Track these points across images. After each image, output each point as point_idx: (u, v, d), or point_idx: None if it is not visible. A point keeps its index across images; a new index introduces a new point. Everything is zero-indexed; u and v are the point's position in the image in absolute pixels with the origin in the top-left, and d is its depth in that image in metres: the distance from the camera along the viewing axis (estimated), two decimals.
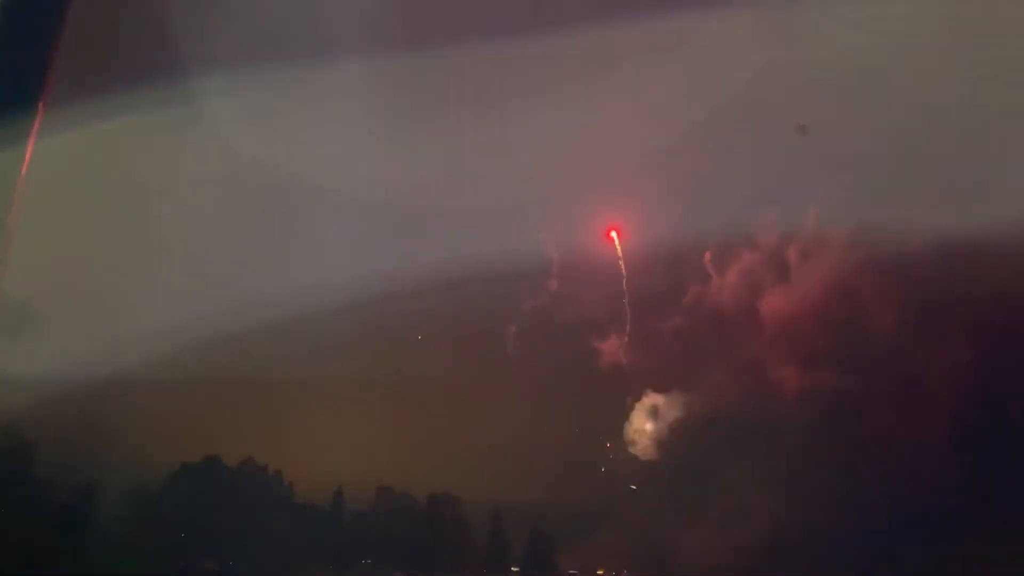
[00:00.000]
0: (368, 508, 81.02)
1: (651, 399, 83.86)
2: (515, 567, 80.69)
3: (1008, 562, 64.81)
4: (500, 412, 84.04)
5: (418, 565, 77.44)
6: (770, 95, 79.70)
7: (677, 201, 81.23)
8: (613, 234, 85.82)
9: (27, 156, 59.21)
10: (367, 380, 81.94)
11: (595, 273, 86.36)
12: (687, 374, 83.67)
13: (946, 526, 68.61)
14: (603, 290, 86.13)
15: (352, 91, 79.26)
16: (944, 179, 74.63)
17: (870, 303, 78.12)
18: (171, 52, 73.65)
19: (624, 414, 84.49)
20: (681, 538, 76.40)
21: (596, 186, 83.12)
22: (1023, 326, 72.21)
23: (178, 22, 74.27)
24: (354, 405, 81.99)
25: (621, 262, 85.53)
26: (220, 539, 74.22)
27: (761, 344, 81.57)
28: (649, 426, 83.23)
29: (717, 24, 76.93)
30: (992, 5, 75.53)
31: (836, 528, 70.77)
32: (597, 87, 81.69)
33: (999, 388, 72.53)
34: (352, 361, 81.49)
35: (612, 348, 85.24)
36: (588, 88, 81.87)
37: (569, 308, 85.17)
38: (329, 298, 76.63)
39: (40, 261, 72.09)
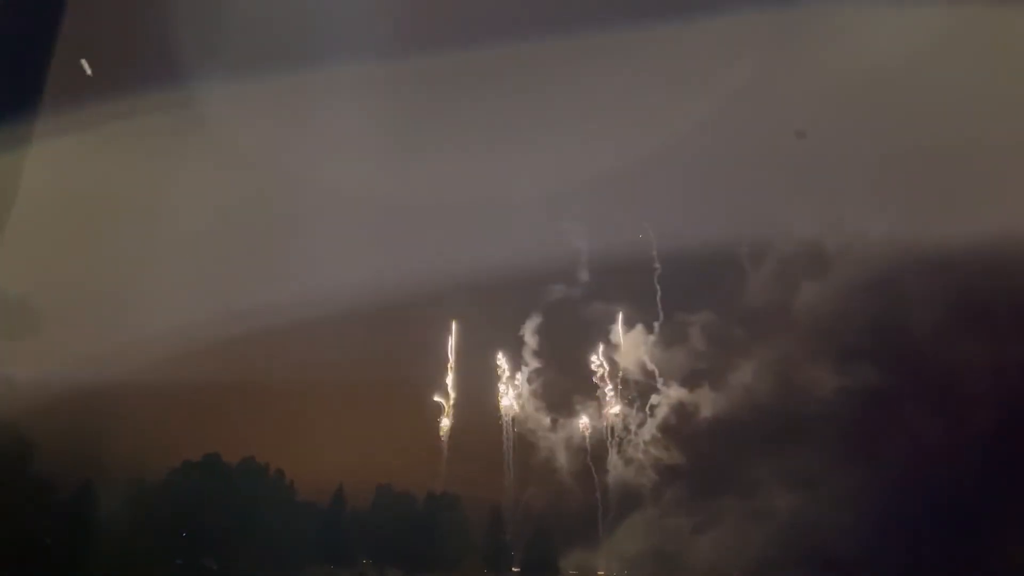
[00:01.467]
0: (368, 507, 79.94)
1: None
2: (515, 567, 79.69)
3: None
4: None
5: (418, 564, 76.62)
6: (797, 98, 78.93)
7: (712, 198, 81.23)
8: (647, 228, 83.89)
9: (26, 160, 59.05)
10: (369, 381, 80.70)
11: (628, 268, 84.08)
12: (719, 370, 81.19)
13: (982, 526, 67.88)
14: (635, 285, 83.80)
15: (377, 93, 78.61)
16: (978, 179, 73.88)
17: (906, 301, 76.06)
18: (170, 56, 72.97)
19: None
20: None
21: (631, 183, 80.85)
22: None
23: (177, 27, 73.42)
24: (356, 405, 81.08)
25: (655, 256, 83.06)
26: (220, 537, 73.79)
27: (794, 341, 79.57)
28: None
29: (739, 26, 76.33)
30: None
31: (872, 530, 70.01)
32: (630, 86, 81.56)
33: None
34: (355, 362, 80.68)
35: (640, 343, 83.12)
36: (622, 86, 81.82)
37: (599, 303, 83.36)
38: (332, 300, 76.10)
39: (42, 264, 72.50)
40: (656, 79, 78.87)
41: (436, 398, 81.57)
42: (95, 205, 76.22)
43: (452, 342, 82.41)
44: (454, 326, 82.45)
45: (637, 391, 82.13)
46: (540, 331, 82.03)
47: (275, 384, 79.64)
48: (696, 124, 77.28)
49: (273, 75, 74.60)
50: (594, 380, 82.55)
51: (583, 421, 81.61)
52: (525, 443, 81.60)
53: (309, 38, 76.70)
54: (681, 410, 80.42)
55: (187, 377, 75.93)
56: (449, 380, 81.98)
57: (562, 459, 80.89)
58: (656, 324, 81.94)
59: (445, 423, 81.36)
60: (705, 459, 78.24)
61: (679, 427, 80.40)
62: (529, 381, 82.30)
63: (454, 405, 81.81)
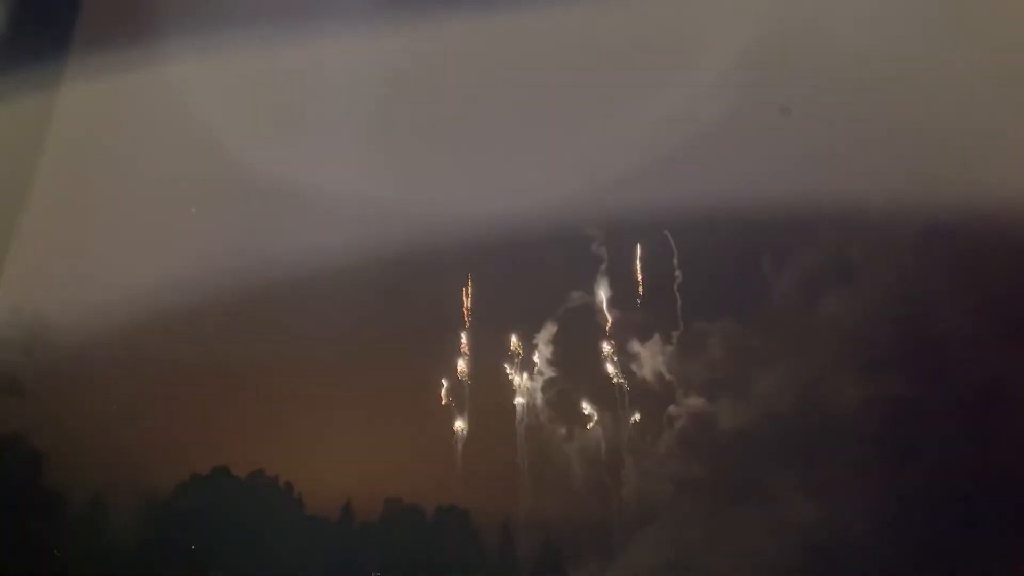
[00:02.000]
0: (377, 520, 79.07)
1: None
2: None
3: None
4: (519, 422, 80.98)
5: None
6: (820, 97, 76.01)
7: (732, 202, 75.97)
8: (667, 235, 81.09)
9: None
10: (378, 390, 79.76)
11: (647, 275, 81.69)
12: (739, 380, 77.97)
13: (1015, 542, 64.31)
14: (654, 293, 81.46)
15: (386, 92, 77.36)
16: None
17: (936, 306, 71.99)
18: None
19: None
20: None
21: (650, 187, 77.84)
22: None
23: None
24: (365, 415, 79.61)
25: (675, 264, 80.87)
26: (228, 551, 73.06)
27: (819, 348, 75.83)
28: None
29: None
30: None
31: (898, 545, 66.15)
32: (641, 88, 78.63)
33: None
34: (365, 371, 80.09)
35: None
36: (633, 88, 79.17)
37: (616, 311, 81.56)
38: (337, 302, 76.19)
39: (46, 265, 72.91)
40: (669, 79, 77.01)
41: (447, 408, 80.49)
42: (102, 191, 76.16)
43: (465, 345, 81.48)
44: (467, 332, 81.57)
45: (654, 401, 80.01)
46: (555, 340, 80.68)
47: (281, 388, 79.35)
48: (714, 125, 75.19)
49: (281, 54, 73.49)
50: (611, 390, 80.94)
51: (598, 431, 79.81)
52: (538, 454, 79.96)
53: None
54: (699, 421, 77.99)
55: (197, 387, 76.90)
56: (462, 389, 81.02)
57: (576, 470, 79.38)
58: (675, 334, 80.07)
59: (457, 434, 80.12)
60: (723, 471, 75.61)
61: (697, 438, 77.81)
62: (543, 391, 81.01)
63: (466, 415, 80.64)
